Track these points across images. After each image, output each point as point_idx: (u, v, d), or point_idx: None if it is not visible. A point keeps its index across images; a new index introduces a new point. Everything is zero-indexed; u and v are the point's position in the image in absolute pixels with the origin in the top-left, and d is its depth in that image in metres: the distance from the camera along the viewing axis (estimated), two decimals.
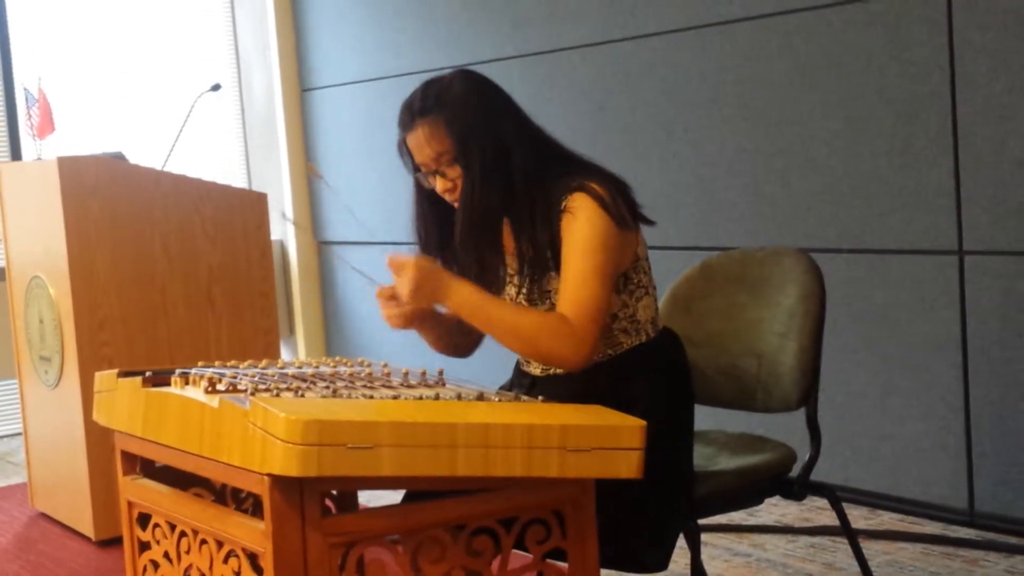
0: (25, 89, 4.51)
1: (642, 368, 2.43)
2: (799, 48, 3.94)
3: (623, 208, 2.37)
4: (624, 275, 2.42)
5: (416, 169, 2.47)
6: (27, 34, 5.88)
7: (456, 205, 2.44)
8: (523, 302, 2.43)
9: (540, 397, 2.28)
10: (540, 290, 2.42)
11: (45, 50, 5.92)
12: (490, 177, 2.37)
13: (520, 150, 2.40)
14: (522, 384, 2.51)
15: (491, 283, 2.43)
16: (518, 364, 2.56)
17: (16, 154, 5.78)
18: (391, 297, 2.42)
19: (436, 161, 2.41)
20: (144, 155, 5.27)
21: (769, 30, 4.02)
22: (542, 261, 2.39)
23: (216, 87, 5.02)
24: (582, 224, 2.34)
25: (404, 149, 2.47)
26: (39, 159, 4.37)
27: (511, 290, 2.47)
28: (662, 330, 2.53)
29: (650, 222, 2.47)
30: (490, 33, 5.04)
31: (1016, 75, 3.41)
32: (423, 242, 2.54)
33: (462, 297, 2.34)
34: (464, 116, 2.38)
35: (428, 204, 2.50)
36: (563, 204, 2.37)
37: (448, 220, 2.48)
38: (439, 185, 2.43)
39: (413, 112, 2.42)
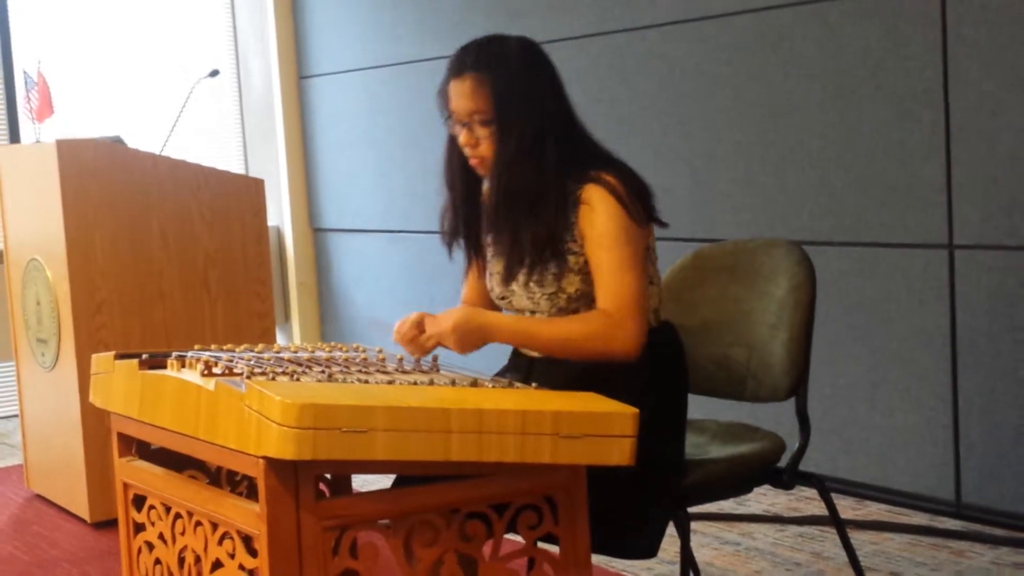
0: (24, 72, 4.52)
1: (638, 357, 2.45)
2: (794, 42, 3.96)
3: (638, 206, 2.40)
4: None
5: (448, 116, 2.50)
6: (27, 17, 5.88)
7: (473, 162, 2.48)
8: (532, 287, 2.46)
9: (534, 384, 2.30)
10: (545, 272, 2.45)
11: (44, 33, 5.93)
12: (528, 152, 2.41)
13: (555, 137, 2.43)
14: (519, 367, 2.54)
15: (522, 252, 2.44)
16: (515, 347, 2.59)
17: (15, 137, 5.79)
18: (412, 339, 2.43)
19: (470, 116, 2.44)
20: (142, 139, 5.28)
21: (765, 23, 4.04)
22: (551, 246, 2.42)
23: (214, 73, 5.02)
24: (604, 218, 2.38)
25: (444, 94, 2.49)
26: (38, 142, 4.38)
27: (521, 275, 2.49)
28: (662, 322, 2.55)
29: (664, 224, 2.50)
30: (487, 23, 5.05)
31: (1008, 72, 3.43)
32: (451, 192, 2.57)
33: (507, 332, 2.42)
34: (513, 87, 2.41)
35: (460, 155, 2.52)
36: (578, 194, 2.40)
37: (477, 175, 2.52)
38: (463, 137, 2.46)
39: (467, 63, 2.44)
